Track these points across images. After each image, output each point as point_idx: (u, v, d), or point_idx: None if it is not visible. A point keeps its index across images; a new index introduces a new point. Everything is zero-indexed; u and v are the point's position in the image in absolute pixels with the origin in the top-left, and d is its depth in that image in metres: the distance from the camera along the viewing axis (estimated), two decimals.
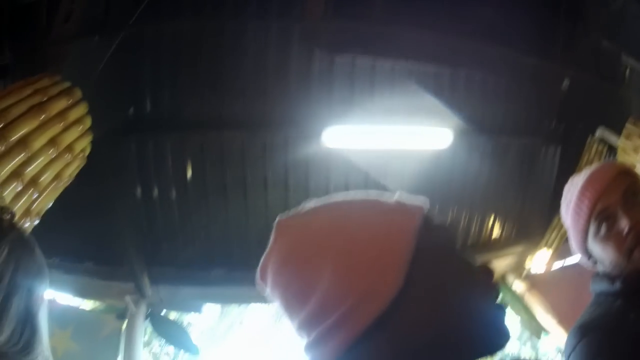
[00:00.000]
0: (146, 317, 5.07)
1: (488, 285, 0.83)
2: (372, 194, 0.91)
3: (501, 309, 0.82)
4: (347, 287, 0.77)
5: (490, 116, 4.95)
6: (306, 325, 0.81)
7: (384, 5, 4.15)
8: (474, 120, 4.83)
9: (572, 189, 1.51)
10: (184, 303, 5.37)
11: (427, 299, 0.77)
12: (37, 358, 1.03)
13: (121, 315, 4.90)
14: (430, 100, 4.60)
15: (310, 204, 0.93)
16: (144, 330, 5.19)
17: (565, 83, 4.64)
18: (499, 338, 0.80)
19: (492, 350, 0.79)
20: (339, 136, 4.35)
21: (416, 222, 0.83)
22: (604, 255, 1.43)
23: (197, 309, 5.61)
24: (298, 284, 0.82)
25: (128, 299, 4.89)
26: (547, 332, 5.24)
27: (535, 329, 5.29)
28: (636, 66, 4.30)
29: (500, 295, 0.86)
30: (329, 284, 0.78)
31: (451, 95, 4.71)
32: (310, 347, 0.81)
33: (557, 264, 5.32)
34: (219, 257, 5.06)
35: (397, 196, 0.90)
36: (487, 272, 0.85)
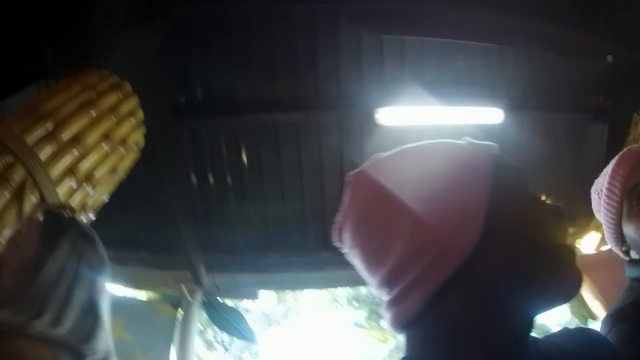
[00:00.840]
0: (201, 306, 5.12)
1: (561, 227, 0.83)
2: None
3: (573, 251, 0.82)
4: (427, 241, 0.76)
5: (538, 92, 4.83)
6: (387, 283, 0.81)
7: None
8: (523, 96, 4.75)
9: (601, 179, 1.54)
10: (240, 290, 5.41)
11: (505, 244, 0.76)
12: (98, 345, 1.07)
13: (176, 304, 4.95)
14: (479, 78, 4.56)
15: (380, 156, 0.92)
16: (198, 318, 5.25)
17: (610, 59, 4.50)
18: (573, 281, 0.79)
19: (567, 295, 0.79)
20: (392, 115, 4.32)
21: (491, 162, 0.83)
22: (638, 234, 1.39)
23: (253, 296, 5.63)
24: (376, 242, 0.82)
25: (183, 287, 4.95)
26: (595, 318, 5.11)
27: (584, 316, 5.15)
28: None
29: None
30: (407, 240, 0.77)
31: (500, 72, 4.63)
32: (391, 304, 0.81)
33: (605, 248, 5.18)
34: (275, 243, 5.09)
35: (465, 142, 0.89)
36: (559, 212, 0.83)
